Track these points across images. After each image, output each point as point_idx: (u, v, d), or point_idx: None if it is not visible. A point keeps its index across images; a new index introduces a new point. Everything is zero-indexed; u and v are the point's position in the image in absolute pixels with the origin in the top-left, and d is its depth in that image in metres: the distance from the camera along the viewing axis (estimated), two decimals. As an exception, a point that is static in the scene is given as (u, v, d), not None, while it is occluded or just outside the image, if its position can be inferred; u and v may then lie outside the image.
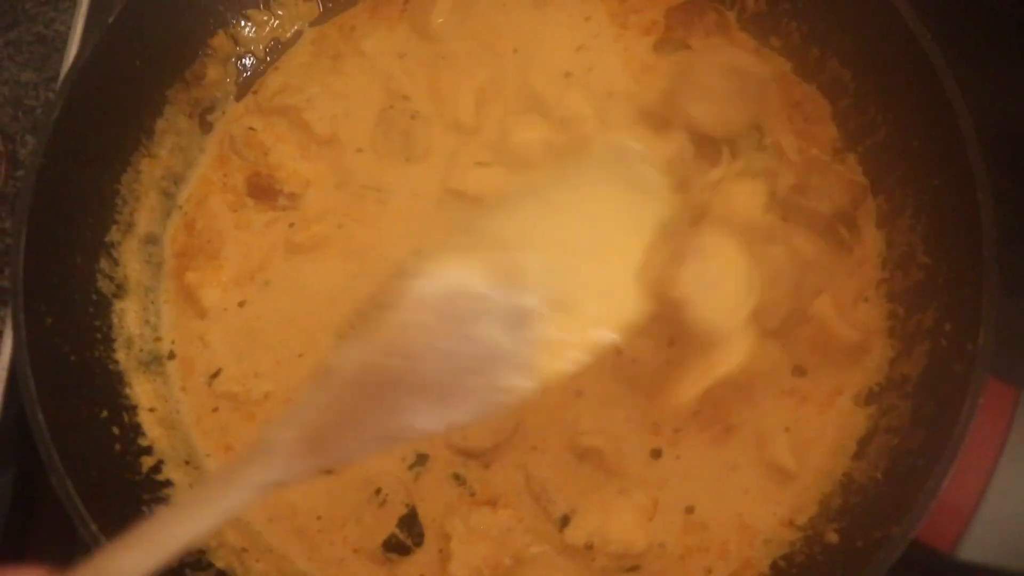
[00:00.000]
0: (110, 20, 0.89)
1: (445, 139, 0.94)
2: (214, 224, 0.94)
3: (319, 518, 0.84)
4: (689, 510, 0.81)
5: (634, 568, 0.80)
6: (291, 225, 0.93)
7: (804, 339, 0.83)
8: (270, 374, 0.88)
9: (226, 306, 0.91)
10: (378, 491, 0.83)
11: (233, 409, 0.88)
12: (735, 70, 0.88)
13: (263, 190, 0.94)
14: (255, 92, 1.00)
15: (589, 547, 0.80)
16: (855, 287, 0.85)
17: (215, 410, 0.88)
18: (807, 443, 0.82)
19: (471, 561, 0.79)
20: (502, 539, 0.80)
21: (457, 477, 0.84)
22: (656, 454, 0.83)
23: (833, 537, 0.76)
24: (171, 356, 0.90)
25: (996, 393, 0.76)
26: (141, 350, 0.90)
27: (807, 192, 0.86)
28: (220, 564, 0.81)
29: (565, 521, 0.81)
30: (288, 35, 1.02)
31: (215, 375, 0.89)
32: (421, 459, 0.84)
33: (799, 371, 0.83)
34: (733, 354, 0.75)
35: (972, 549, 0.74)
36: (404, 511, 0.83)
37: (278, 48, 1.01)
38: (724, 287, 0.75)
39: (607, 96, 0.93)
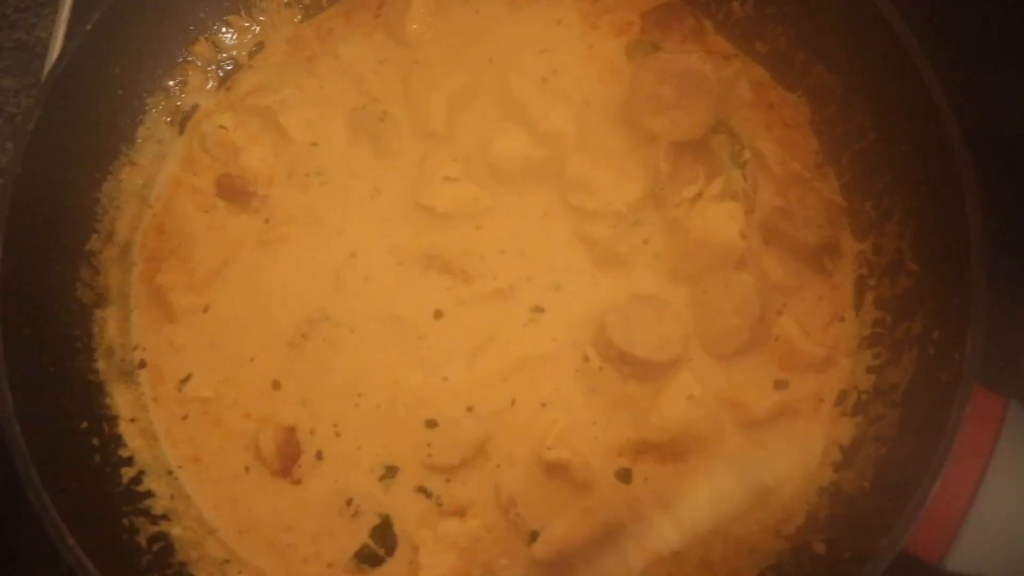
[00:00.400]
0: (88, 27, 0.88)
1: (414, 145, 0.93)
2: (184, 226, 0.93)
3: (289, 529, 0.83)
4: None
5: None
6: (266, 221, 0.92)
7: (773, 358, 0.83)
8: (232, 379, 0.87)
9: (196, 309, 0.90)
10: (349, 502, 0.83)
11: (202, 414, 0.87)
12: (686, 75, 0.87)
13: (236, 192, 0.93)
14: (228, 89, 0.98)
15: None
16: (829, 309, 0.86)
17: (184, 418, 0.87)
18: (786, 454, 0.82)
19: (440, 572, 0.79)
20: (471, 549, 0.80)
21: (423, 489, 0.83)
22: (624, 476, 0.82)
23: (820, 548, 0.75)
24: (142, 365, 0.89)
25: (984, 402, 0.75)
26: (122, 359, 0.89)
27: (792, 218, 0.85)
28: (202, 576, 0.81)
29: (534, 536, 0.80)
30: (271, 40, 1.00)
31: (186, 380, 0.88)
32: (391, 471, 0.84)
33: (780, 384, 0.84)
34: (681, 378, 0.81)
35: (960, 560, 0.73)
36: (377, 521, 0.82)
37: (259, 50, 1.00)
38: (654, 330, 0.83)
39: (585, 105, 0.92)
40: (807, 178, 0.88)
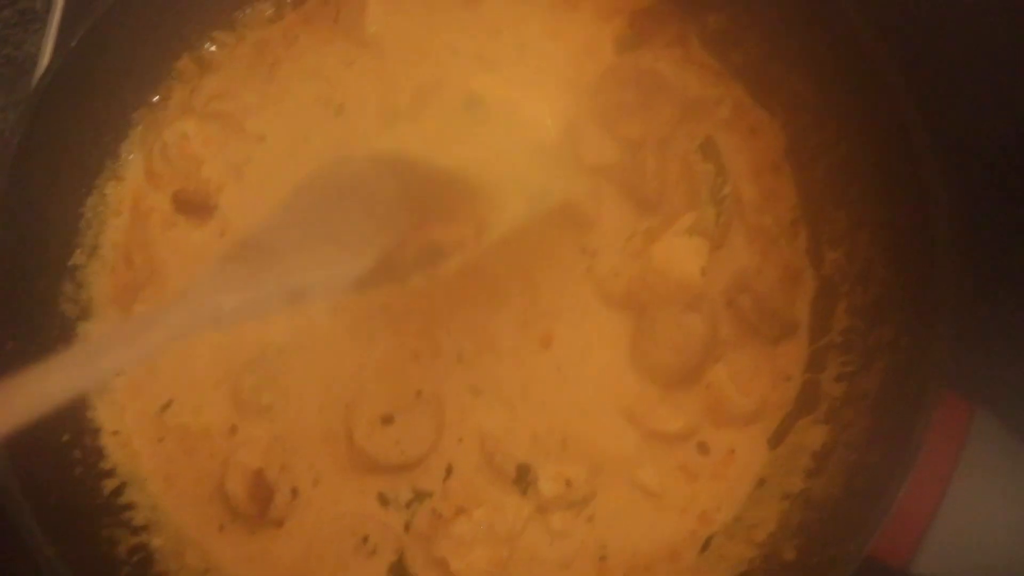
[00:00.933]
0: (72, 44, 0.89)
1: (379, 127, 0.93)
2: (151, 250, 0.92)
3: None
4: (603, 558, 0.82)
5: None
6: (221, 234, 0.92)
7: (698, 403, 0.84)
8: (206, 406, 0.87)
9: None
10: (366, 539, 0.82)
11: (178, 441, 0.86)
12: (643, 77, 0.90)
13: (196, 206, 0.92)
14: (192, 90, 0.98)
15: (569, 483, 0.81)
16: (773, 370, 0.85)
17: (161, 440, 0.87)
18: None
19: (477, 568, 0.79)
20: (490, 535, 0.80)
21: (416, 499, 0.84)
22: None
23: (791, 554, 0.76)
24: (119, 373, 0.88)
25: (952, 408, 0.76)
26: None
27: (755, 293, 0.85)
28: (182, 587, 0.81)
29: (524, 471, 0.82)
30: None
31: (167, 406, 0.87)
32: (420, 496, 0.84)
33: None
34: None
35: (926, 564, 0.74)
36: (394, 558, 0.82)
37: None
38: None
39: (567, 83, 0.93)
40: (775, 235, 0.89)
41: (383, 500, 0.84)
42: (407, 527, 0.83)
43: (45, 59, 1.11)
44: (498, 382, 0.85)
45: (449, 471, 0.84)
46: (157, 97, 0.97)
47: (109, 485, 0.84)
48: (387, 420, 0.84)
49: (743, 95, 0.94)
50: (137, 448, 0.87)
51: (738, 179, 0.90)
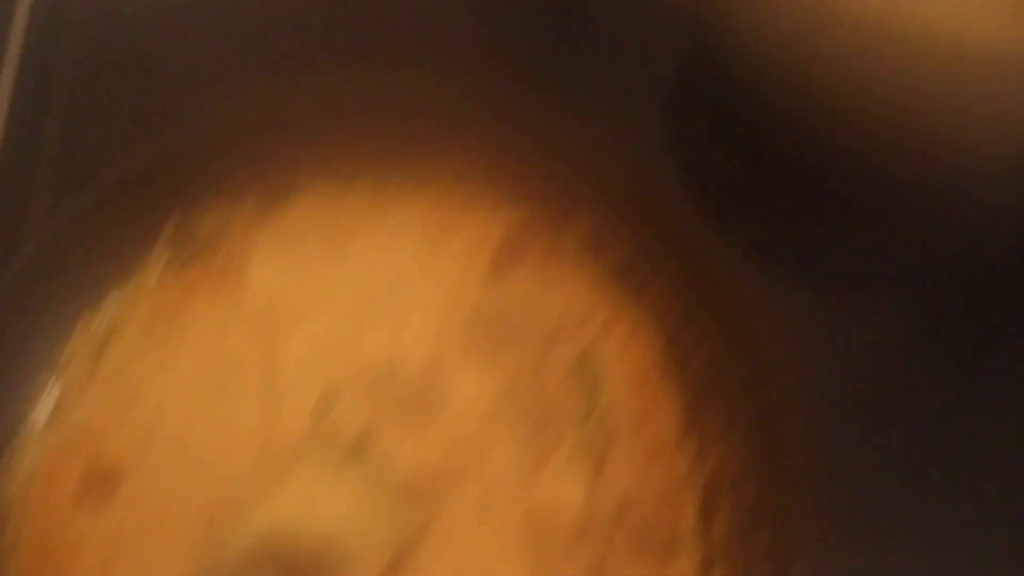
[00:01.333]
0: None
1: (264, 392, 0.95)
2: (62, 536, 0.91)
3: None
4: None
5: None
6: (127, 512, 0.91)
7: None
8: None
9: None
10: None
11: None
12: (510, 307, 0.95)
13: (102, 480, 0.93)
14: (93, 358, 0.99)
15: None
16: None
17: None
18: None
19: None
20: None
21: None
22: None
23: None
24: None
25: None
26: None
27: (636, 504, 0.88)
28: None
29: None
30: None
31: None
32: None
33: None
34: None
35: None
36: None
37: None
38: None
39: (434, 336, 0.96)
40: (657, 445, 0.91)
41: None
42: None
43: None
44: None
45: None
46: (59, 363, 0.99)
47: None
48: None
49: (617, 296, 0.99)
50: None
51: (616, 390, 0.93)
